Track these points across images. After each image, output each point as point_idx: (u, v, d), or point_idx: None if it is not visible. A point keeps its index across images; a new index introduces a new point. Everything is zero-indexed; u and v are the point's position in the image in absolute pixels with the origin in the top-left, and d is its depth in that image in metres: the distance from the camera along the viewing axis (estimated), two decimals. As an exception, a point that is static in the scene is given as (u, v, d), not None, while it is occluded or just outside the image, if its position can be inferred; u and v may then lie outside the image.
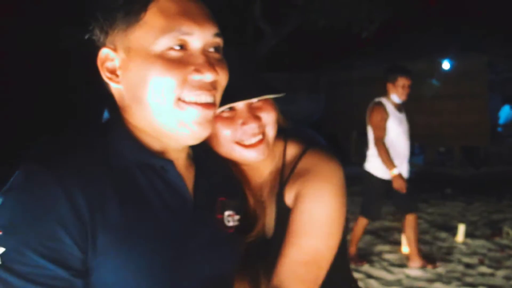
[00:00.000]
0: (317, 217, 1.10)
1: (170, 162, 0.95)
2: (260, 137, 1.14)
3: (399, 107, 4.46)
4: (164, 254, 0.89)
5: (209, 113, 0.92)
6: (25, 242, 0.76)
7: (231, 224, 1.05)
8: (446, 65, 11.16)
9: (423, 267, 4.39)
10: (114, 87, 0.93)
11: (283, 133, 1.25)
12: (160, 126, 0.91)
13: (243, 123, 1.11)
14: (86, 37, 0.94)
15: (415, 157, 12.28)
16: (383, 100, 4.44)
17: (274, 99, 1.21)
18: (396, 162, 4.27)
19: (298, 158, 1.19)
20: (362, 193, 4.76)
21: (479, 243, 5.13)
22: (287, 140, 1.25)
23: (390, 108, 4.38)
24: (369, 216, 4.59)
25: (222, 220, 1.04)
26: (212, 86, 0.92)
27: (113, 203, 0.84)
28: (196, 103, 0.90)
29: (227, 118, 1.12)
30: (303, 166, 1.17)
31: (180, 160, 1.00)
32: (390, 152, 4.29)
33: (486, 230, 5.62)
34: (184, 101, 0.89)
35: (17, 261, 0.76)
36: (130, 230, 0.85)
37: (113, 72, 0.92)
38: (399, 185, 4.24)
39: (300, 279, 1.05)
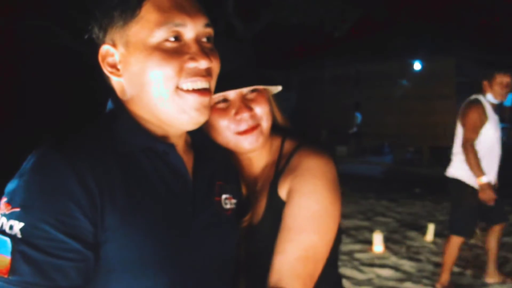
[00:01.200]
0: (313, 212, 1.10)
1: (171, 146, 1.01)
2: (253, 125, 1.17)
3: (496, 109, 3.80)
4: (168, 233, 0.94)
5: (205, 99, 0.98)
6: (42, 218, 0.82)
7: (228, 206, 1.13)
8: (417, 66, 11.27)
9: (503, 283, 4.02)
10: (116, 80, 0.99)
11: (282, 131, 1.29)
12: (161, 114, 0.97)
13: (236, 113, 1.16)
14: (86, 36, 1.01)
15: (384, 156, 12.41)
16: (481, 98, 3.76)
17: (275, 98, 1.29)
18: (487, 171, 3.70)
19: (292, 152, 1.21)
20: (453, 206, 4.00)
21: (448, 243, 5.14)
22: (285, 137, 1.27)
23: (488, 109, 3.73)
24: (463, 233, 3.84)
25: (220, 203, 1.11)
26: (207, 72, 0.98)
27: (120, 185, 0.90)
28: (194, 91, 0.96)
29: (222, 109, 1.17)
30: (296, 160, 1.18)
31: (179, 146, 1.06)
32: (484, 160, 3.71)
33: (454, 230, 5.65)
34: (182, 89, 0.95)
35: (36, 235, 0.81)
36: (136, 210, 0.91)
37: (113, 66, 0.98)
38: (487, 196, 3.66)
39: (298, 274, 1.06)
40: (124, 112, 1.01)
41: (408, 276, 4.20)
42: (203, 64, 0.96)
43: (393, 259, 4.62)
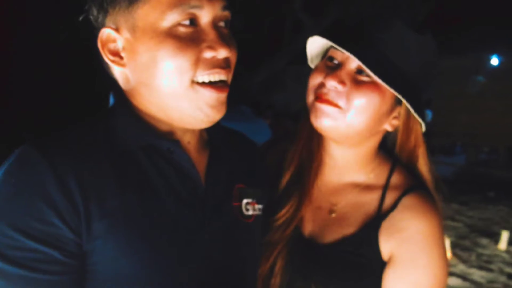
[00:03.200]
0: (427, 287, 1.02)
1: (177, 143, 0.88)
2: (333, 100, 1.03)
3: None
4: (170, 241, 0.83)
5: (222, 95, 0.86)
6: (12, 224, 0.72)
7: (250, 213, 0.99)
8: (494, 61, 10.71)
9: None
10: (118, 70, 0.86)
11: (392, 158, 1.15)
12: (171, 110, 0.85)
13: (326, 76, 1.04)
14: (81, 18, 0.87)
15: (456, 156, 11.87)
16: None
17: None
18: None
19: (402, 194, 1.08)
20: None
21: (523, 252, 4.84)
22: (395, 165, 1.13)
23: None
24: None
25: (239, 208, 0.97)
26: (225, 63, 0.86)
27: (111, 188, 0.80)
28: (210, 85, 0.84)
29: (324, 68, 1.07)
30: (407, 212, 1.06)
31: (191, 144, 0.94)
32: None
33: (531, 238, 5.31)
34: (198, 83, 0.83)
35: (6, 245, 0.72)
36: (130, 215, 0.80)
37: (116, 54, 0.85)
38: None
39: None
40: (125, 106, 0.89)
41: (477, 287, 3.98)
42: (222, 53, 0.83)
43: (461, 267, 4.40)
